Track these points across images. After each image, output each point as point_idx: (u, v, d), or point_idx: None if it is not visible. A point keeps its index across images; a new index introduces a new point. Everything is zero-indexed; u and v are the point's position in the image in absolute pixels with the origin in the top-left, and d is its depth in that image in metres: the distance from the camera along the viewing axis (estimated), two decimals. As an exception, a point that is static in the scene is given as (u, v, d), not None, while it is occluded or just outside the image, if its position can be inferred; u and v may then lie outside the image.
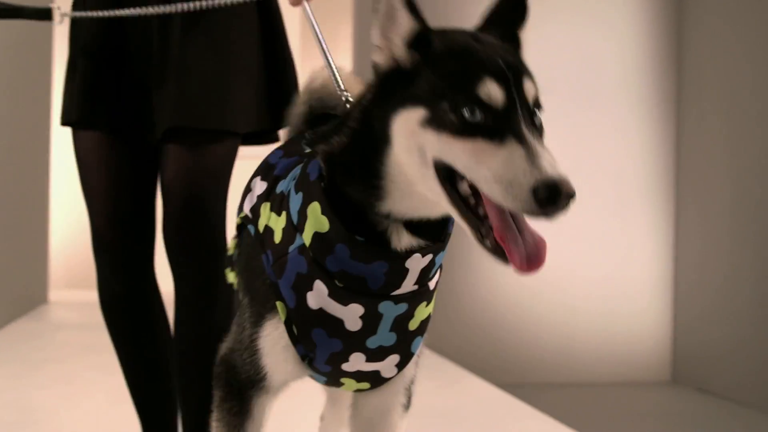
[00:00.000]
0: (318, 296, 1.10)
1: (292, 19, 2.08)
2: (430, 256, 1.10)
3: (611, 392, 4.46)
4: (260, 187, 1.25)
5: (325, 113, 1.51)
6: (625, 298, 4.69)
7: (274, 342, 1.16)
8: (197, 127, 1.79)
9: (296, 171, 1.19)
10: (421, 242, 1.08)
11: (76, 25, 1.88)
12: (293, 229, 1.11)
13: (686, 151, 4.74)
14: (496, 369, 4.38)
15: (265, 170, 1.27)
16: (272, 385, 1.21)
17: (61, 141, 5.99)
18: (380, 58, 1.05)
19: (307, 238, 1.09)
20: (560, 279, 4.47)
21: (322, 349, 1.14)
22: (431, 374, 3.57)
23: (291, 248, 1.11)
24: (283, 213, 1.14)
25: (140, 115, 1.82)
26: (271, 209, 1.17)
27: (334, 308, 1.10)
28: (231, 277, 1.38)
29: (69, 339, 4.42)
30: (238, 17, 1.84)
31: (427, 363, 1.39)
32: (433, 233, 1.10)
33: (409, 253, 1.08)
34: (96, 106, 1.82)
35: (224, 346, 1.28)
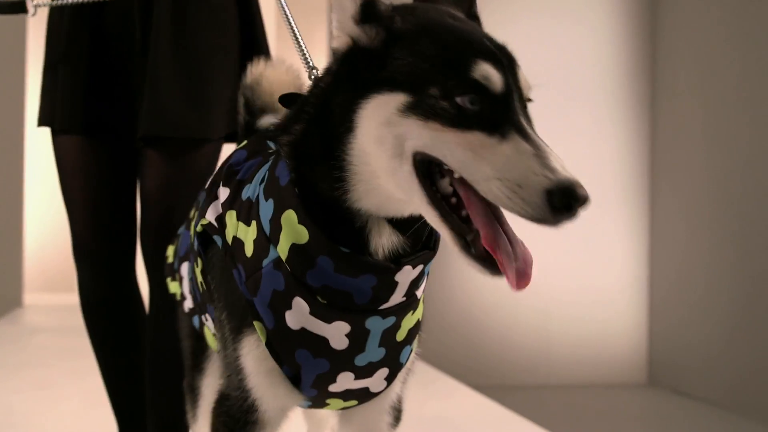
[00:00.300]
0: (298, 315, 0.99)
1: (267, 17, 2.06)
2: (420, 267, 1.00)
3: (588, 394, 4.48)
4: (224, 193, 1.11)
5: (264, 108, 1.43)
6: (602, 300, 4.73)
7: (257, 361, 1.04)
8: (173, 137, 1.76)
9: (262, 173, 1.08)
10: (402, 240, 0.98)
11: (54, 27, 1.86)
12: (266, 240, 1.00)
13: (661, 152, 4.77)
14: (472, 371, 4.40)
15: (227, 175, 1.14)
16: (267, 417, 1.07)
17: (36, 142, 6.04)
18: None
19: (282, 250, 0.97)
20: (537, 281, 4.41)
21: (307, 372, 1.03)
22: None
23: (265, 262, 1.00)
24: (253, 223, 1.02)
25: (121, 120, 1.80)
26: (238, 218, 1.05)
27: (318, 326, 0.99)
28: (173, 287, 1.29)
29: (44, 343, 4.40)
30: (217, 18, 1.82)
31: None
32: (415, 231, 0.99)
33: (399, 265, 0.97)
34: (76, 111, 1.80)
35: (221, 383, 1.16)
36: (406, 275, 0.98)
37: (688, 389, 4.52)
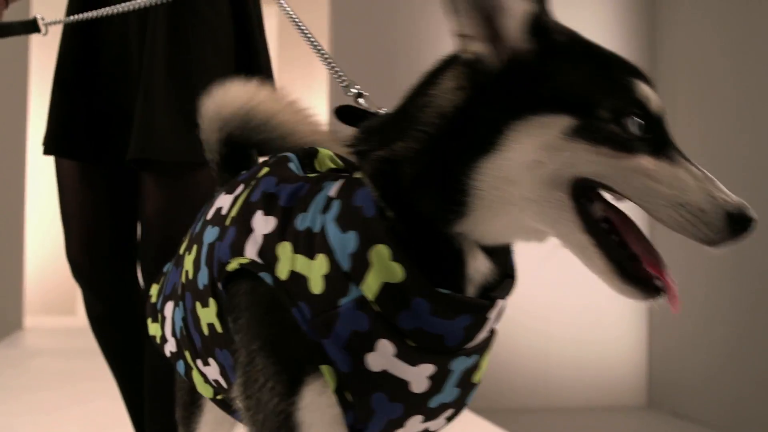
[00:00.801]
0: (382, 357, 0.89)
1: (267, 29, 2.01)
2: (506, 299, 0.94)
3: (588, 417, 4.48)
4: (266, 223, 0.98)
5: (248, 143, 1.27)
6: (601, 323, 4.74)
7: (320, 413, 0.91)
8: (168, 161, 1.73)
9: (321, 201, 0.96)
10: (493, 268, 0.92)
11: (60, 49, 1.86)
12: (344, 277, 0.89)
13: None
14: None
15: (266, 203, 1.00)
16: None
17: (37, 165, 5.98)
18: (474, 49, 0.85)
19: (369, 289, 0.87)
20: (537, 305, 4.50)
21: (379, 417, 0.93)
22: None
23: (343, 301, 0.89)
24: (320, 256, 0.91)
25: (116, 143, 1.79)
26: (296, 251, 0.93)
27: (401, 369, 0.90)
28: (153, 329, 1.20)
29: (45, 366, 4.43)
30: (213, 37, 1.79)
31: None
32: (500, 259, 0.94)
33: (491, 300, 0.91)
34: (70, 135, 1.80)
35: None
36: (496, 310, 0.93)
37: (687, 412, 4.52)
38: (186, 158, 1.72)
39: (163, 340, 1.19)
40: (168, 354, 1.19)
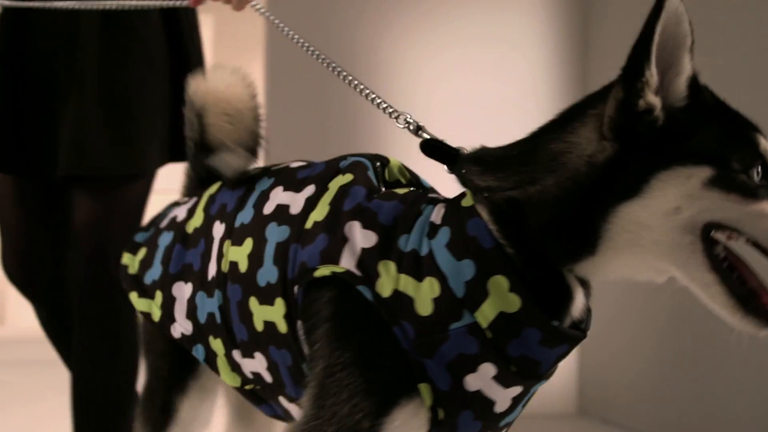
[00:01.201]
0: (481, 379, 0.94)
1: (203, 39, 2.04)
2: None
3: (519, 424, 4.45)
4: (365, 237, 0.99)
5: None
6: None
7: (413, 430, 0.95)
8: (98, 175, 1.73)
9: (423, 225, 0.99)
10: (585, 303, 1.00)
11: None
12: (458, 303, 0.93)
13: None
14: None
15: (362, 214, 1.01)
16: None
17: None
18: (650, 100, 0.91)
19: (485, 317, 0.92)
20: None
21: None
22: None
23: (454, 326, 0.93)
24: (429, 279, 0.94)
25: (45, 155, 1.75)
26: (400, 271, 0.95)
27: (493, 391, 0.96)
28: (143, 305, 1.17)
29: None
30: (145, 52, 1.79)
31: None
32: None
33: (585, 334, 0.99)
34: (1, 150, 1.77)
35: None
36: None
37: (616, 419, 4.49)
38: (119, 173, 1.73)
39: (168, 319, 1.15)
40: (177, 335, 1.15)
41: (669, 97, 0.92)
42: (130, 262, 1.22)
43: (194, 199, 1.22)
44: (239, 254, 1.07)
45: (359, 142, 3.96)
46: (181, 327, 1.16)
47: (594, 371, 4.75)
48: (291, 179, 1.11)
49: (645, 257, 0.92)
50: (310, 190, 1.07)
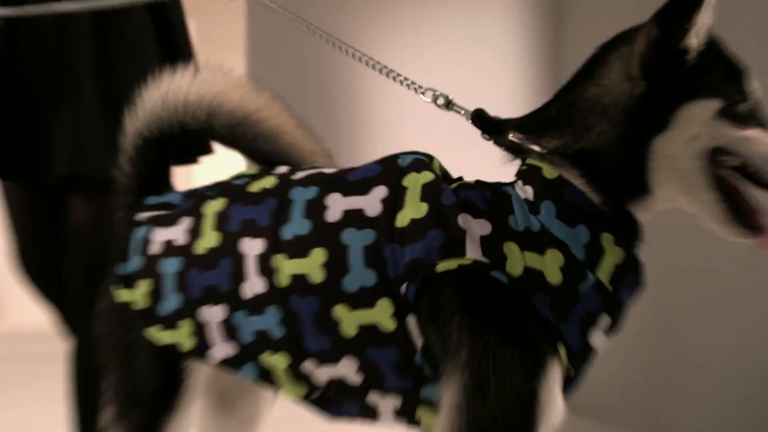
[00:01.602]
0: (599, 331, 1.04)
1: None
2: None
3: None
4: (480, 226, 1.02)
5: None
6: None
7: (558, 387, 1.02)
8: (94, 176, 1.73)
9: (519, 204, 1.05)
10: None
11: None
12: (581, 266, 1.01)
13: None
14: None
15: (466, 206, 1.04)
16: None
17: None
18: (692, 42, 1.03)
19: (605, 273, 1.02)
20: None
21: (575, 387, 1.07)
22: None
23: (583, 287, 1.01)
24: (551, 251, 1.01)
25: (40, 160, 1.78)
26: (523, 249, 1.00)
27: (600, 339, 1.05)
28: (169, 336, 1.13)
29: None
30: (139, 55, 1.81)
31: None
32: None
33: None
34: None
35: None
36: None
37: (597, 414, 4.50)
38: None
39: (203, 346, 1.11)
40: (218, 359, 1.12)
41: (699, 40, 1.04)
42: (132, 297, 1.13)
43: (187, 220, 1.14)
44: (306, 266, 1.05)
45: (339, 138, 4.05)
46: (222, 351, 1.12)
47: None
48: (343, 184, 1.10)
49: (677, 186, 1.04)
50: (381, 191, 1.07)
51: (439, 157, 1.19)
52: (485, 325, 0.99)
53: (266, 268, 1.06)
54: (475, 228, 1.02)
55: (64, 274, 1.85)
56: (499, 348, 0.98)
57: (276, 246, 1.06)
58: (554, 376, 1.01)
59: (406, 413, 1.10)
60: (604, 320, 1.03)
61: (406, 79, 1.34)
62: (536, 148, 1.08)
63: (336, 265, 1.03)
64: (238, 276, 1.08)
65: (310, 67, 4.54)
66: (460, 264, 1.00)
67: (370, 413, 1.13)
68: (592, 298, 1.01)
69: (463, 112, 1.24)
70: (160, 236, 1.15)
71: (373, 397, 1.11)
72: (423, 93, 1.29)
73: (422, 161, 1.12)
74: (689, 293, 3.79)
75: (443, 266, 1.00)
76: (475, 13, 4.99)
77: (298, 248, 1.05)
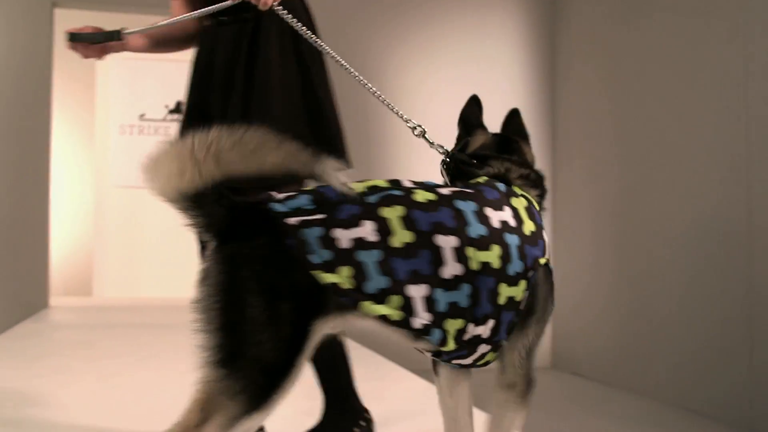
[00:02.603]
0: None
1: None
2: None
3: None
4: (546, 238, 1.44)
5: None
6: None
7: None
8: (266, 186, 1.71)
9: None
10: None
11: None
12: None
13: (560, 176, 5.64)
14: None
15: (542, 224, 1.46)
16: None
17: (59, 168, 6.58)
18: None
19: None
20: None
21: None
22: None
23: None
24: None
25: None
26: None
27: None
28: (383, 309, 1.26)
29: (65, 337, 4.79)
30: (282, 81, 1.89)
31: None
32: None
33: None
34: None
35: None
36: None
37: (583, 371, 5.28)
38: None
39: (409, 315, 1.28)
40: (418, 326, 1.28)
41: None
42: (338, 279, 1.24)
43: (369, 223, 1.27)
44: (490, 256, 1.32)
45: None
46: (422, 319, 1.29)
47: (565, 334, 5.51)
48: (488, 202, 1.39)
49: None
50: (508, 210, 1.40)
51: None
52: (551, 294, 1.43)
53: (462, 257, 1.30)
54: (546, 239, 1.45)
55: None
56: (549, 306, 1.42)
57: (467, 241, 1.31)
58: None
59: (483, 357, 1.41)
60: None
61: (396, 110, 1.71)
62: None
63: (505, 257, 1.35)
64: (438, 262, 1.28)
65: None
66: (546, 261, 1.42)
67: (474, 359, 1.42)
68: None
69: (436, 144, 1.60)
70: (346, 235, 1.24)
71: (483, 347, 1.39)
72: (407, 122, 1.67)
73: (512, 190, 1.48)
74: (649, 257, 4.66)
75: (542, 261, 1.41)
76: (483, 37, 5.82)
77: (482, 244, 1.32)
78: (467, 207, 1.34)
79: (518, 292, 1.35)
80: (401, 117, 1.66)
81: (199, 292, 1.16)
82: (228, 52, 1.89)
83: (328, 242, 1.24)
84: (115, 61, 6.99)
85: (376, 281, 1.25)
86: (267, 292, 1.15)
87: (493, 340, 1.37)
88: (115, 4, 5.71)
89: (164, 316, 5.82)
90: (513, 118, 1.65)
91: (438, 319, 1.30)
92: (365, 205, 1.27)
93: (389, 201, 1.28)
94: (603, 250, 5.06)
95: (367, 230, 1.26)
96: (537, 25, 5.86)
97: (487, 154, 1.53)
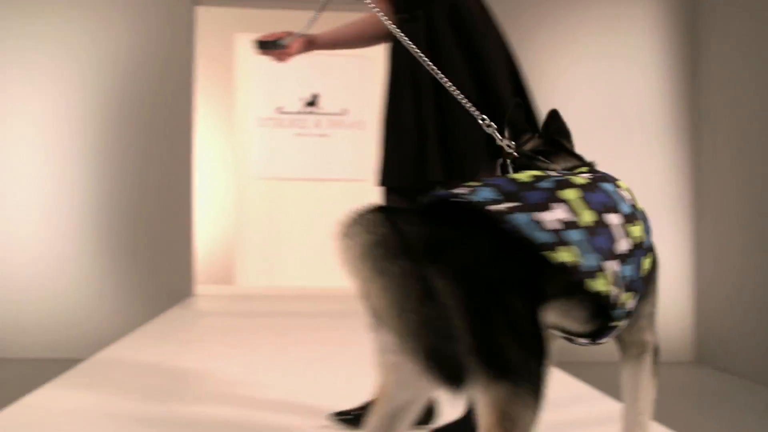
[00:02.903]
0: None
1: None
2: None
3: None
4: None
5: None
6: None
7: None
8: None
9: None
10: None
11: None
12: None
13: (704, 172, 5.39)
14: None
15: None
16: None
17: (201, 164, 6.69)
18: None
19: None
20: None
21: None
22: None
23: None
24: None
25: (415, 167, 1.97)
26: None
27: None
28: (600, 285, 1.30)
29: (210, 324, 5.02)
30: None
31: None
32: None
33: None
34: (395, 169, 2.01)
35: None
36: None
37: (730, 366, 5.01)
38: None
39: (619, 289, 1.35)
40: (612, 302, 1.35)
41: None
42: (569, 258, 1.28)
43: (559, 205, 1.31)
44: (638, 231, 1.42)
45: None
46: (616, 296, 1.34)
47: (709, 321, 5.28)
48: (616, 184, 1.47)
49: None
50: (626, 191, 1.47)
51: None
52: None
53: (627, 233, 1.38)
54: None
55: None
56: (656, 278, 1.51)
57: (626, 218, 1.39)
58: None
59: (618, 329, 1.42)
60: None
61: (469, 105, 1.77)
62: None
63: (644, 233, 1.44)
64: (611, 240, 1.34)
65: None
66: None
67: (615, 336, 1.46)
68: None
69: (506, 140, 1.68)
70: (549, 217, 1.27)
71: (624, 321, 1.41)
72: (479, 118, 1.73)
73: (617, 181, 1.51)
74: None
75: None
76: (619, 34, 5.62)
77: (632, 220, 1.41)
78: (609, 188, 1.41)
79: (648, 263, 1.44)
80: (473, 113, 1.71)
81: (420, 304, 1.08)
82: (409, 55, 1.87)
83: (540, 225, 1.26)
84: (252, 57, 6.77)
85: (589, 259, 1.29)
86: (500, 283, 1.16)
87: (631, 312, 1.41)
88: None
89: (304, 305, 5.99)
90: (554, 119, 1.68)
91: (619, 294, 1.34)
92: (544, 190, 1.30)
93: (563, 185, 1.32)
94: (752, 243, 4.81)
95: (562, 212, 1.29)
96: (677, 20, 5.57)
97: (548, 150, 1.60)
